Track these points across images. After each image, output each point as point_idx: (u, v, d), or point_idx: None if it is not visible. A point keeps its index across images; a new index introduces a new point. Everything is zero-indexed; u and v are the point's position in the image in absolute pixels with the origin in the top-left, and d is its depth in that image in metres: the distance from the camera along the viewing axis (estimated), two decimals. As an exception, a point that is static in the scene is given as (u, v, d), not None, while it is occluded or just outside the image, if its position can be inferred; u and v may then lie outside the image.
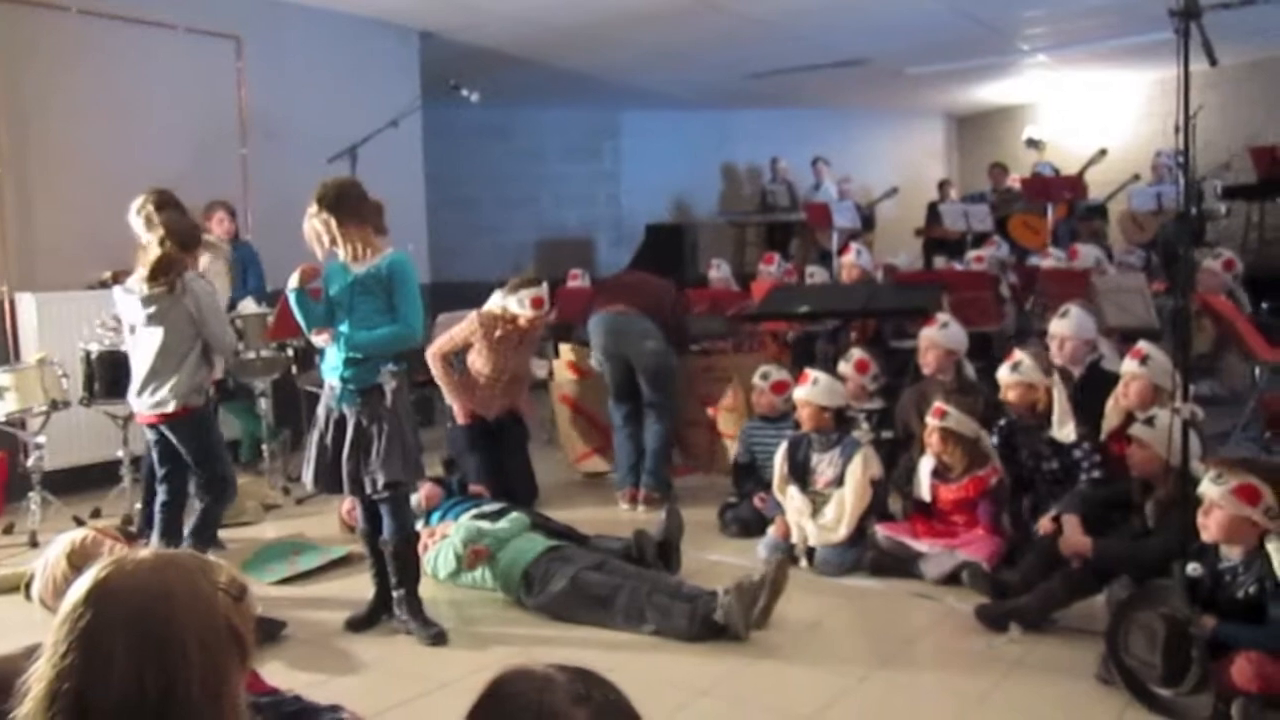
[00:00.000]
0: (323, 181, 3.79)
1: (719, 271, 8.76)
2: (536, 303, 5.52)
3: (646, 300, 5.80)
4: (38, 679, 1.17)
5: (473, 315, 5.65)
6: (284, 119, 7.41)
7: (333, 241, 3.71)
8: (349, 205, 3.72)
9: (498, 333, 5.58)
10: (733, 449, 5.59)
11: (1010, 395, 4.51)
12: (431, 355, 5.66)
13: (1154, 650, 3.00)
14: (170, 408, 4.14)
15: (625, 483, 5.79)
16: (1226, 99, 10.44)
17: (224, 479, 4.25)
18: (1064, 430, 4.33)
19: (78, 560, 4.14)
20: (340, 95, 7.66)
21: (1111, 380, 4.57)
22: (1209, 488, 3.08)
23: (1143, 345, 4.36)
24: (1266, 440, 5.23)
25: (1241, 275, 6.37)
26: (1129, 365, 4.34)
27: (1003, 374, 4.54)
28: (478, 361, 5.65)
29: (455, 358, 5.71)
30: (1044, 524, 4.18)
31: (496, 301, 5.61)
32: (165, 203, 4.34)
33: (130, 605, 1.18)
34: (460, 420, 5.72)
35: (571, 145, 12.36)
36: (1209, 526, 3.09)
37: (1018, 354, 4.56)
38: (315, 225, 3.70)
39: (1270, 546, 2.99)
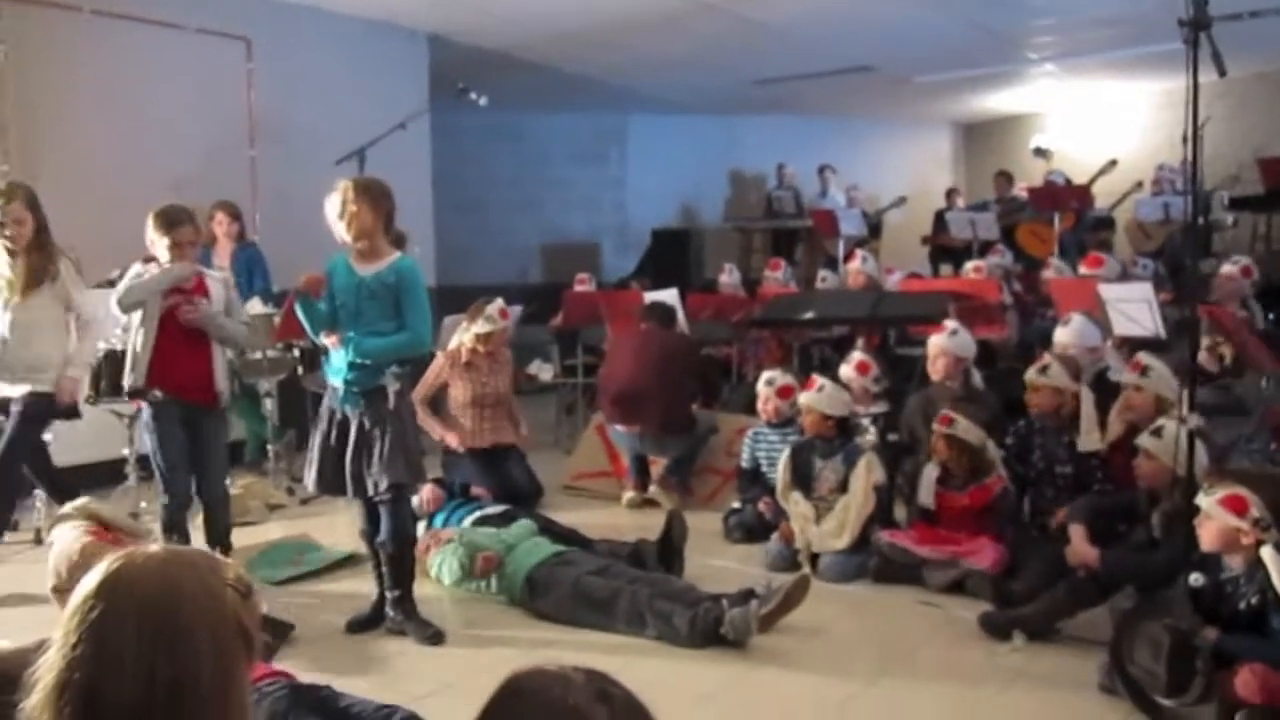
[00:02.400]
0: None
1: (730, 277, 8.76)
2: (503, 314, 5.81)
3: (666, 418, 5.83)
4: (48, 669, 1.17)
5: (438, 354, 5.84)
6: (292, 121, 7.42)
7: (341, 215, 3.72)
8: (372, 190, 3.77)
9: (465, 360, 5.78)
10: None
11: (1035, 398, 4.53)
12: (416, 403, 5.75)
13: (1158, 660, 2.99)
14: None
15: (632, 471, 5.88)
16: (1234, 110, 10.41)
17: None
18: (1089, 438, 4.33)
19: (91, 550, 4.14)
20: (349, 97, 7.66)
21: (1117, 390, 4.56)
22: (1202, 499, 3.11)
23: (1142, 357, 4.36)
24: (1273, 452, 5.19)
25: (1258, 283, 6.32)
26: (1129, 377, 4.35)
27: (1030, 376, 4.57)
28: (457, 393, 5.81)
29: (439, 403, 5.86)
30: (1059, 517, 4.18)
31: (459, 337, 5.85)
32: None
33: (141, 598, 1.19)
34: (454, 444, 5.75)
35: (578, 150, 12.36)
36: (1204, 537, 3.11)
37: (1047, 357, 4.60)
38: (335, 197, 3.74)
39: (1265, 555, 2.98)
